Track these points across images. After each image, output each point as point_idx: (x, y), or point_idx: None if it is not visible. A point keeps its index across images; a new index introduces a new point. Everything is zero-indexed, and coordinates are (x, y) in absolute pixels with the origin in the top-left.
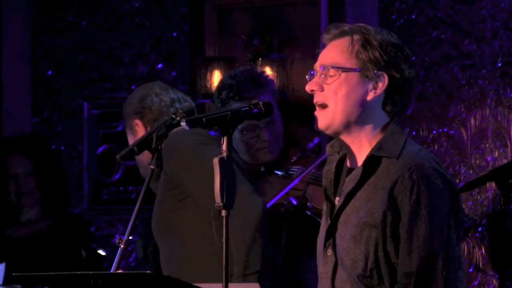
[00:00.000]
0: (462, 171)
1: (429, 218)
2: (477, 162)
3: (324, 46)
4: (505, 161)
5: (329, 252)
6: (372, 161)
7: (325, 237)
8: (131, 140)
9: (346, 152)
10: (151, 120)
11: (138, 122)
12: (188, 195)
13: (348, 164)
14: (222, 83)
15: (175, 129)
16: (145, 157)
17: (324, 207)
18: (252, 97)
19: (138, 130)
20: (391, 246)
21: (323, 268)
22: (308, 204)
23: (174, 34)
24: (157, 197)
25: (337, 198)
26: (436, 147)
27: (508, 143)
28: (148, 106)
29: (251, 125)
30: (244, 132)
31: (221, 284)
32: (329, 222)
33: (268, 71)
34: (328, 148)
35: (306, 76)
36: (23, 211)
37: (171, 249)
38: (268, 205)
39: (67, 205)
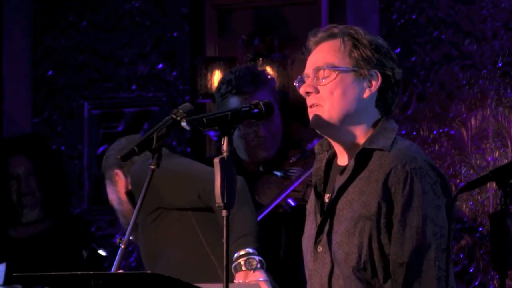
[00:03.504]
0: (463, 171)
1: (421, 209)
2: (478, 162)
3: (308, 51)
4: (506, 161)
5: (320, 248)
6: (364, 154)
7: (315, 234)
8: (111, 193)
9: (337, 151)
10: (130, 169)
11: (118, 171)
12: (161, 213)
13: (338, 162)
14: (222, 78)
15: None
16: (125, 206)
17: (310, 206)
18: (249, 92)
19: (118, 180)
20: (385, 237)
21: (313, 265)
22: (306, 205)
23: (175, 34)
24: (139, 230)
25: (327, 195)
26: (436, 147)
27: (509, 143)
28: None
29: (248, 121)
30: (241, 127)
31: (221, 284)
32: (319, 218)
33: (268, 71)
34: (317, 146)
35: (295, 83)
36: (24, 212)
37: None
38: (270, 208)
39: (68, 205)
